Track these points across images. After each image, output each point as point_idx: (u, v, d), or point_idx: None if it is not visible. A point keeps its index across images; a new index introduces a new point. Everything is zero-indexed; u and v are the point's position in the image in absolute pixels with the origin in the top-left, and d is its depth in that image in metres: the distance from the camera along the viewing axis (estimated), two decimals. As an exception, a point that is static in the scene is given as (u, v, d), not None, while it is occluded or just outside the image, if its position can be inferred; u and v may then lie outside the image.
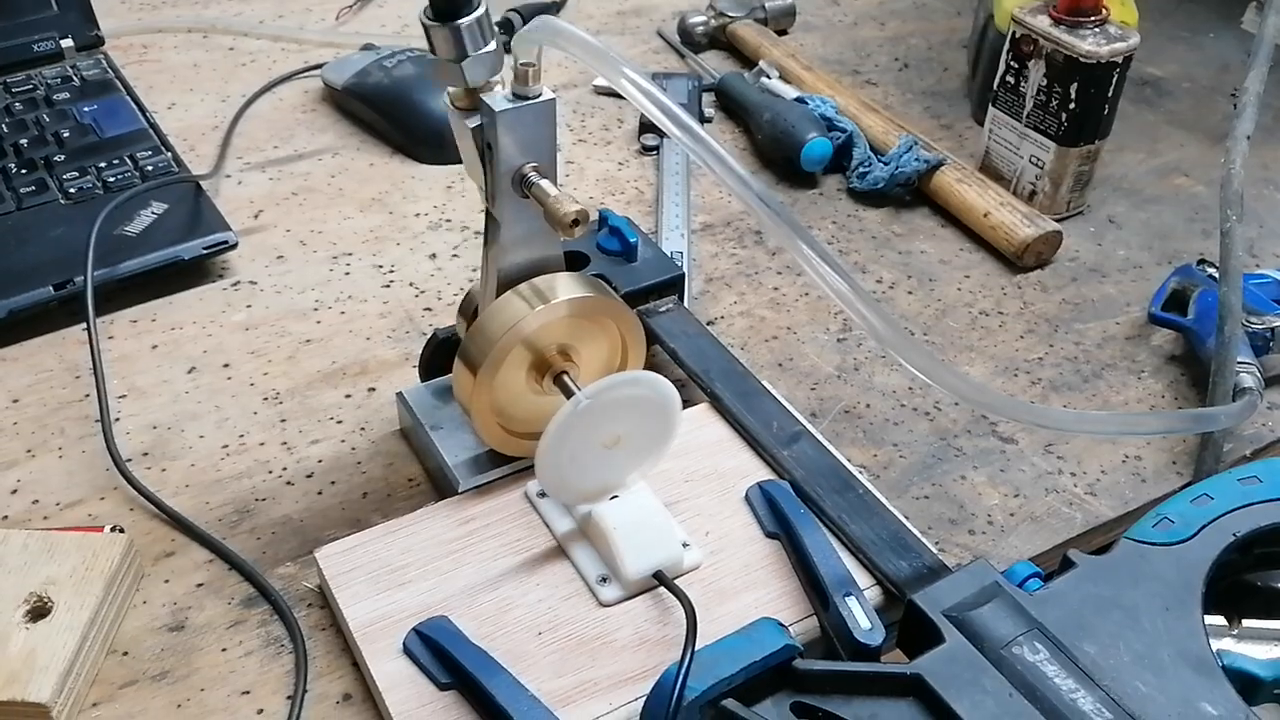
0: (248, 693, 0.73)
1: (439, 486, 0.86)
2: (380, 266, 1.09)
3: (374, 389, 0.96)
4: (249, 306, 1.04)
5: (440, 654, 0.69)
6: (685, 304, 0.99)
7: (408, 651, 0.71)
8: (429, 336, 0.90)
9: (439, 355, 0.90)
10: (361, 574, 0.76)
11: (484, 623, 0.73)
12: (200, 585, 0.79)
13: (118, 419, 0.92)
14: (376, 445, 0.90)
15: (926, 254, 1.14)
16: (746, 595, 0.75)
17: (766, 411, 0.88)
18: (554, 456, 0.73)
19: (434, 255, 1.04)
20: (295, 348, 1.00)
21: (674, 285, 0.98)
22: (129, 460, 0.88)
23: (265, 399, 0.94)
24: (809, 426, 0.88)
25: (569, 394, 0.78)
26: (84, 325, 0.94)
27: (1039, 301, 1.09)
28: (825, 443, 0.86)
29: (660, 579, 0.74)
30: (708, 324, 1.00)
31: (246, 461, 0.89)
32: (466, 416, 0.81)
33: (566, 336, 0.80)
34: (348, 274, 1.07)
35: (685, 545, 0.77)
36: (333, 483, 0.87)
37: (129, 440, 0.90)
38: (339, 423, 0.93)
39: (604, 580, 0.75)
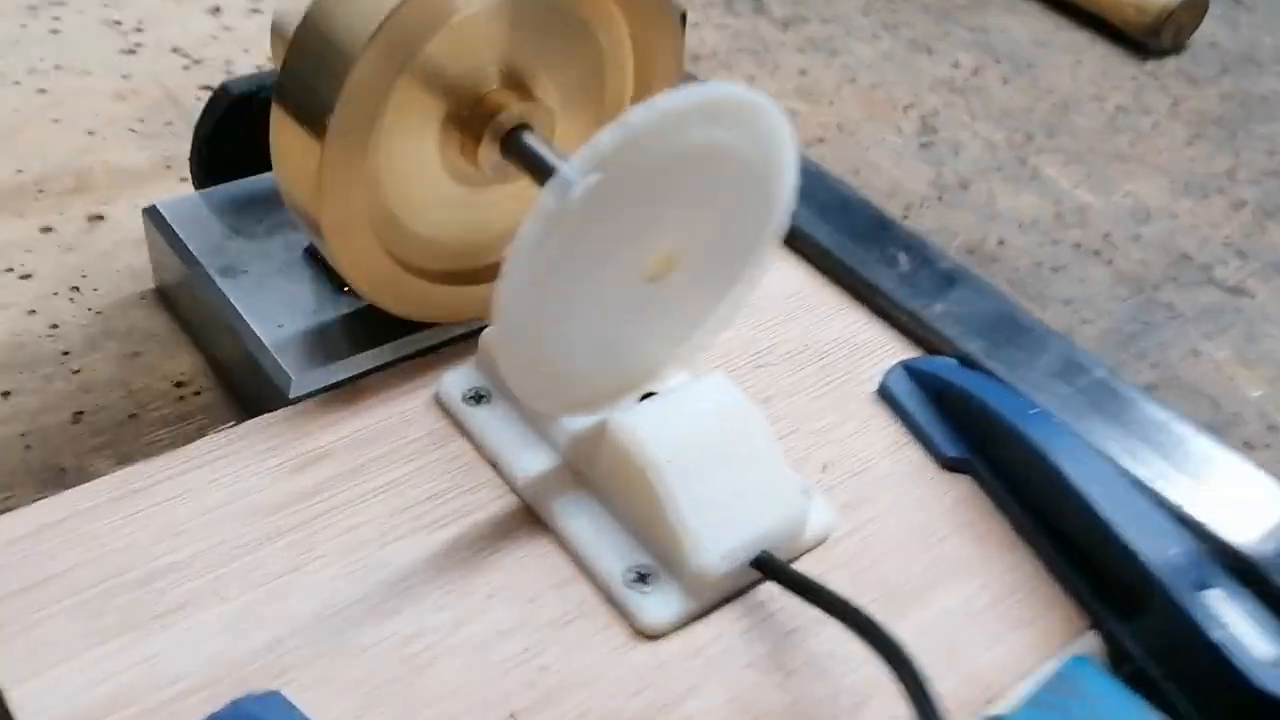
0: None
1: (245, 393, 0.40)
2: (118, 22, 0.59)
3: (101, 217, 0.48)
4: None
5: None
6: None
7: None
8: (213, 93, 0.43)
9: (233, 131, 0.43)
10: (62, 596, 0.31)
11: (372, 701, 0.31)
12: None
13: None
14: (105, 318, 0.44)
15: (1009, 31, 0.73)
16: (938, 594, 0.35)
17: (873, 234, 0.46)
18: (534, 313, 0.29)
19: (217, 8, 0.56)
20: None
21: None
22: None
23: None
24: (955, 260, 0.45)
25: (542, 171, 0.33)
26: None
27: (1192, 96, 0.70)
28: (992, 284, 0.44)
29: (769, 568, 0.31)
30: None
31: None
32: (310, 234, 0.35)
33: (516, 47, 0.35)
34: (56, 31, 0.57)
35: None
36: (4, 394, 0.40)
37: None
38: (25, 278, 0.45)
39: (642, 579, 0.31)
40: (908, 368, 0.42)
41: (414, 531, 0.35)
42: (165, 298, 0.46)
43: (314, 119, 0.34)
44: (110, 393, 0.42)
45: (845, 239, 0.47)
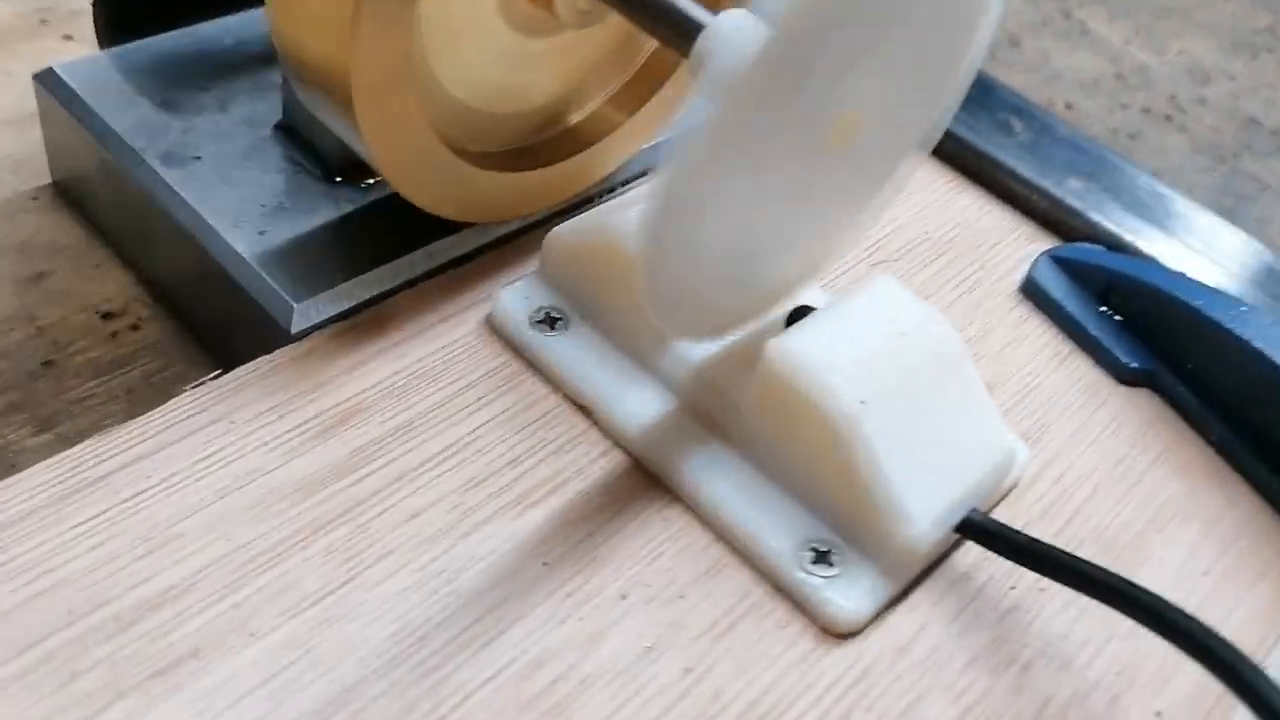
0: None
1: (206, 326, 0.30)
2: None
3: None
4: None
5: None
6: None
7: None
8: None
9: None
10: (7, 657, 0.19)
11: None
12: None
13: None
14: None
15: None
16: (1160, 541, 0.28)
17: (975, 95, 0.37)
18: (694, 213, 0.20)
19: None
20: None
21: None
22: None
23: None
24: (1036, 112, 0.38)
25: (672, 20, 0.23)
26: None
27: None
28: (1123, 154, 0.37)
29: (981, 532, 0.23)
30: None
31: None
32: (311, 99, 0.25)
33: None
34: None
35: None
36: None
37: None
38: None
39: (823, 559, 0.22)
40: (1056, 258, 0.34)
41: (499, 513, 0.25)
42: (70, 195, 0.34)
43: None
44: (9, 332, 0.30)
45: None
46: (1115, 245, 0.35)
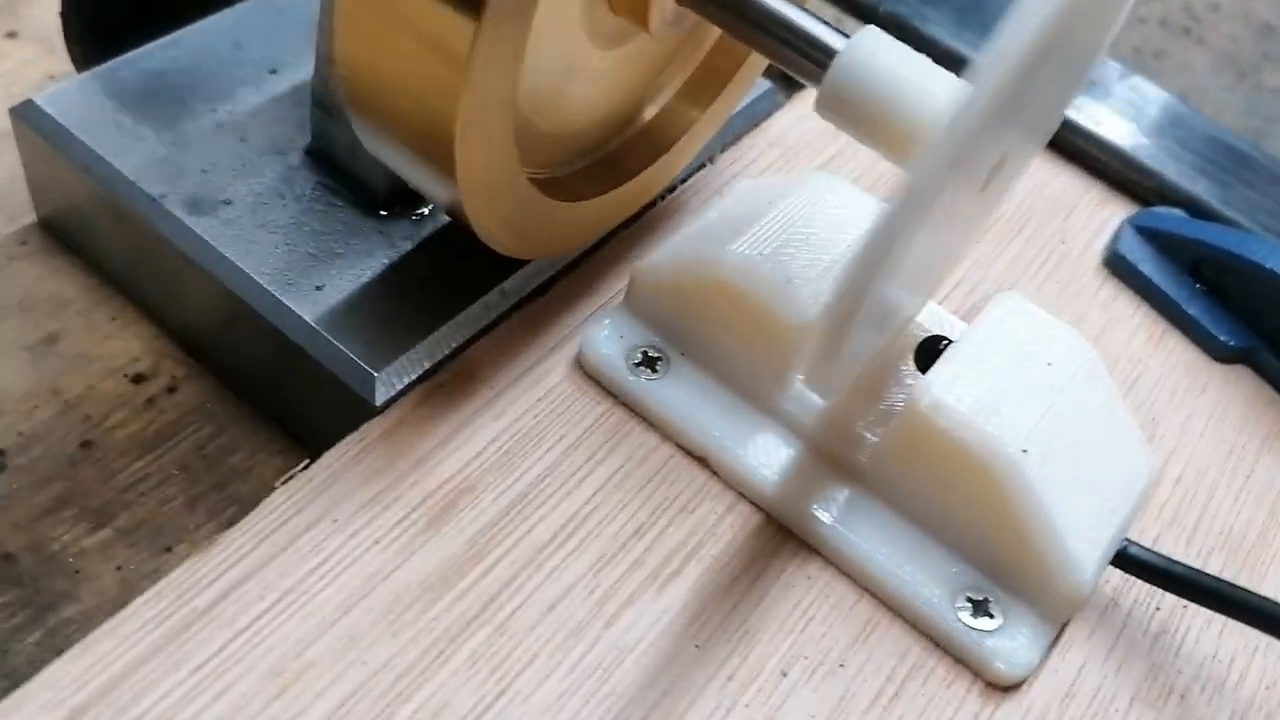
0: None
1: (260, 385, 0.27)
2: None
3: None
4: None
5: None
6: None
7: None
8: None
9: None
10: None
11: None
12: None
13: None
14: None
15: None
16: None
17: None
18: (879, 275, 0.19)
19: None
20: None
21: None
22: None
23: None
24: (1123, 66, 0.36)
25: (795, 39, 0.22)
26: None
27: None
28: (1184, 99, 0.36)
29: (1135, 563, 0.23)
30: None
31: None
32: (381, 134, 0.22)
33: None
34: None
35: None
36: None
37: None
38: None
39: (981, 609, 0.21)
40: (1140, 228, 0.33)
41: (638, 592, 0.24)
42: (64, 234, 0.30)
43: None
44: (34, 411, 0.27)
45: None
46: (1194, 207, 0.34)
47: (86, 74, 0.29)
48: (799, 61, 0.22)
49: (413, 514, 0.24)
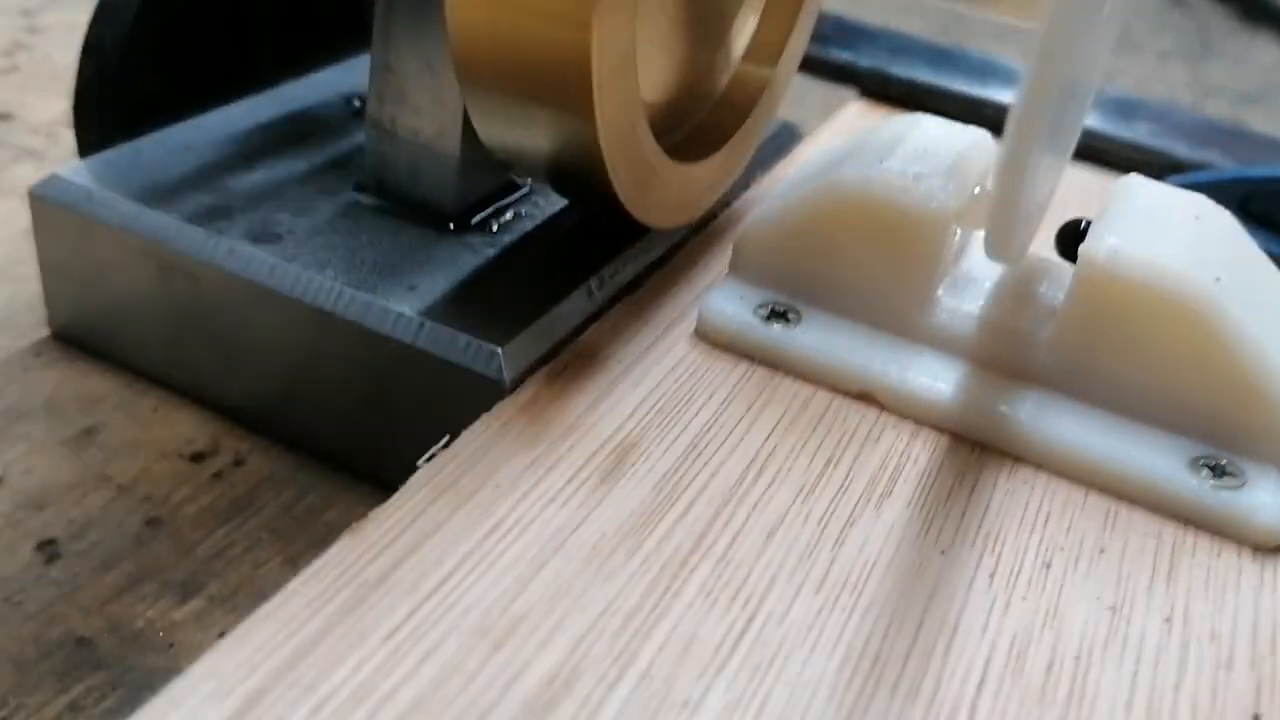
0: None
1: (357, 433, 0.25)
2: None
3: None
4: None
5: None
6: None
7: None
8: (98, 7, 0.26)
9: (150, 44, 0.26)
10: None
11: None
12: None
13: None
14: None
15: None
16: None
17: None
18: (1049, 111, 0.19)
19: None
20: None
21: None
22: None
23: None
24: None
25: None
26: None
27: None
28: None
29: None
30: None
31: None
32: (509, 104, 0.22)
33: None
34: None
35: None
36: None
37: None
38: None
39: (1221, 472, 0.20)
40: (1182, 183, 0.34)
41: (856, 513, 0.21)
42: (83, 342, 0.27)
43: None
44: (83, 499, 0.24)
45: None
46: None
47: (106, 152, 0.27)
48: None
49: (580, 473, 0.21)
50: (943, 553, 0.21)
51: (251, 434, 0.26)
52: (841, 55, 0.40)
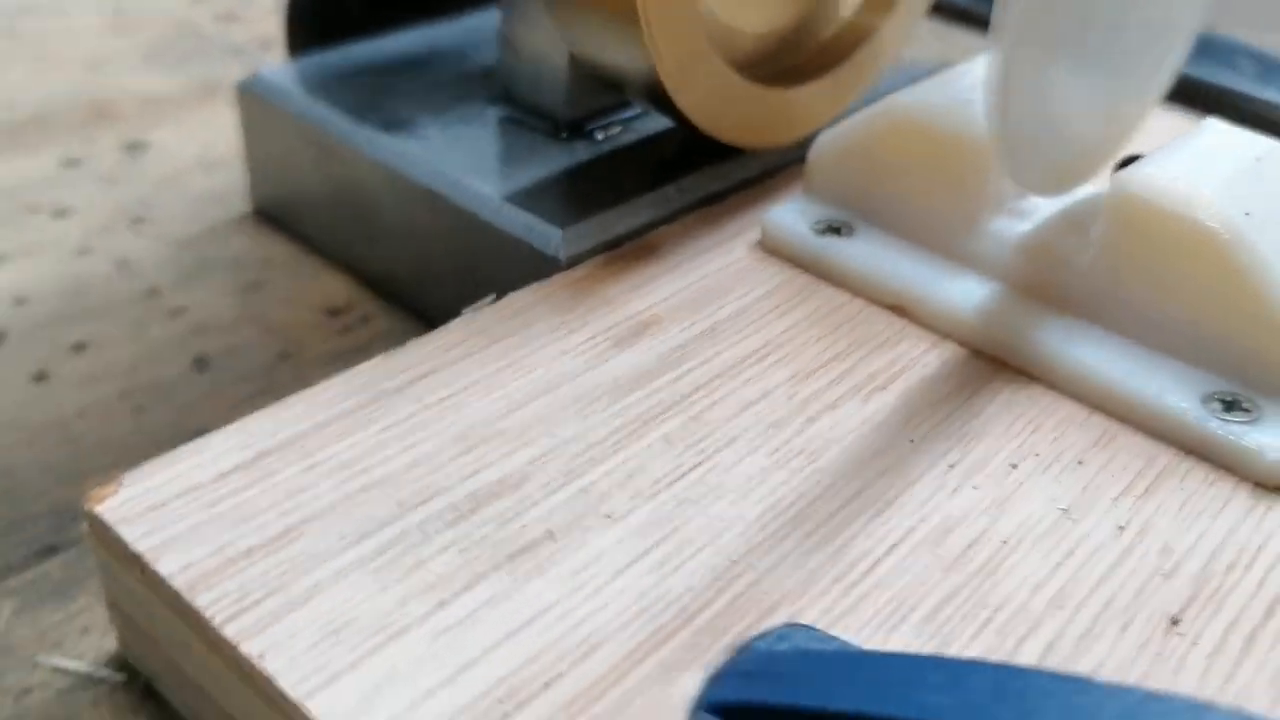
0: None
1: (454, 299, 0.27)
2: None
3: (140, 144, 0.36)
4: None
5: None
6: None
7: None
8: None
9: None
10: (333, 546, 0.19)
11: (941, 631, 0.18)
12: None
13: None
14: (195, 250, 0.33)
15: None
16: None
17: None
18: (1039, 38, 0.18)
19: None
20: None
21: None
22: None
23: None
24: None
25: None
26: None
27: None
28: None
29: None
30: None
31: None
32: (590, 21, 0.23)
33: None
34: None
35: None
36: (78, 346, 0.26)
37: None
38: (59, 215, 0.31)
39: (1234, 407, 0.19)
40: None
41: (842, 400, 0.22)
42: (274, 217, 0.33)
43: None
44: (239, 332, 0.29)
45: None
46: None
47: (302, 58, 0.33)
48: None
49: (599, 337, 0.24)
50: (911, 441, 0.22)
51: (381, 298, 0.30)
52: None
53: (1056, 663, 0.18)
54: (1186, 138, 0.24)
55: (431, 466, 0.20)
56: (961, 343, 0.24)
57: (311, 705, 0.16)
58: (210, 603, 0.17)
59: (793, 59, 0.30)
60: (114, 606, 0.20)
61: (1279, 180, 0.23)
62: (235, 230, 0.33)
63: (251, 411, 0.21)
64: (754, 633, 0.17)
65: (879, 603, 0.18)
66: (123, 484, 0.19)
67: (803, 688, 0.15)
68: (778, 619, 0.18)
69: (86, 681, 0.20)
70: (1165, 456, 0.22)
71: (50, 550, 0.22)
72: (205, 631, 0.17)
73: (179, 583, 0.18)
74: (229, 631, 0.17)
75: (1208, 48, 0.37)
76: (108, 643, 0.21)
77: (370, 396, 0.22)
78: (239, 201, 0.34)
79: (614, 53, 0.26)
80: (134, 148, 0.37)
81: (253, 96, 0.31)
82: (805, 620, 0.18)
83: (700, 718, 0.15)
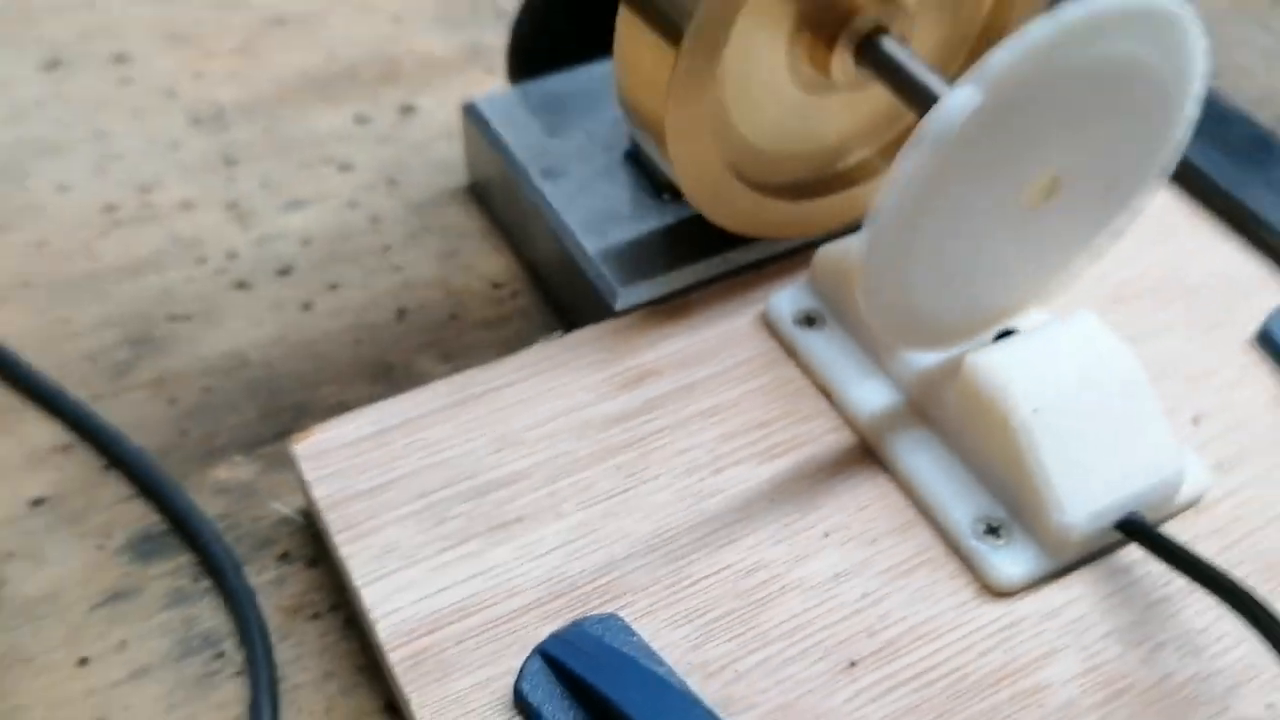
0: (131, 780, 0.29)
1: (563, 300, 0.40)
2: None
3: (412, 108, 0.49)
4: (172, -42, 0.56)
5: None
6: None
7: (527, 707, 0.26)
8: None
9: (550, 24, 0.42)
10: (405, 500, 0.33)
11: (710, 633, 0.31)
12: (41, 502, 0.34)
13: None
14: (422, 212, 0.45)
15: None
16: None
17: (1253, 151, 0.41)
18: (905, 243, 0.28)
19: None
20: (255, 30, 0.52)
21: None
22: (-87, 230, 0.43)
23: (197, 120, 0.47)
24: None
25: (915, 90, 0.31)
26: None
27: None
28: None
29: (1137, 531, 0.29)
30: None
31: (153, 238, 0.45)
32: (647, 141, 0.34)
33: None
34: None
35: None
36: (333, 286, 0.42)
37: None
38: (345, 169, 0.46)
39: (993, 532, 0.29)
40: (1294, 312, 0.38)
41: (746, 460, 0.34)
42: (478, 195, 0.47)
43: (669, 24, 0.33)
44: (430, 290, 0.44)
45: (1220, 156, 0.42)
46: (1364, 305, 0.38)
47: (514, 88, 0.46)
48: (916, 105, 0.33)
49: (614, 377, 0.37)
50: (772, 501, 0.34)
51: (530, 280, 0.44)
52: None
53: (768, 671, 0.30)
54: (1051, 329, 0.33)
55: (474, 458, 0.34)
56: (854, 430, 0.36)
57: (365, 592, 0.31)
58: (333, 519, 0.33)
59: (810, 176, 0.40)
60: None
61: (1092, 381, 0.32)
62: (451, 201, 0.47)
63: (421, 360, 0.36)
64: (593, 613, 0.30)
65: (684, 607, 0.31)
66: (312, 433, 0.35)
67: (583, 661, 0.29)
68: (616, 607, 0.31)
69: (289, 519, 0.37)
70: (936, 549, 0.33)
71: (286, 433, 0.39)
72: (327, 537, 0.33)
73: (321, 504, 0.33)
74: (338, 539, 0.32)
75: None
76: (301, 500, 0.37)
77: (459, 399, 0.36)
78: (460, 174, 0.48)
79: (653, 153, 0.37)
80: (406, 110, 0.51)
81: (469, 117, 0.45)
82: (635, 609, 0.31)
83: (534, 658, 0.30)
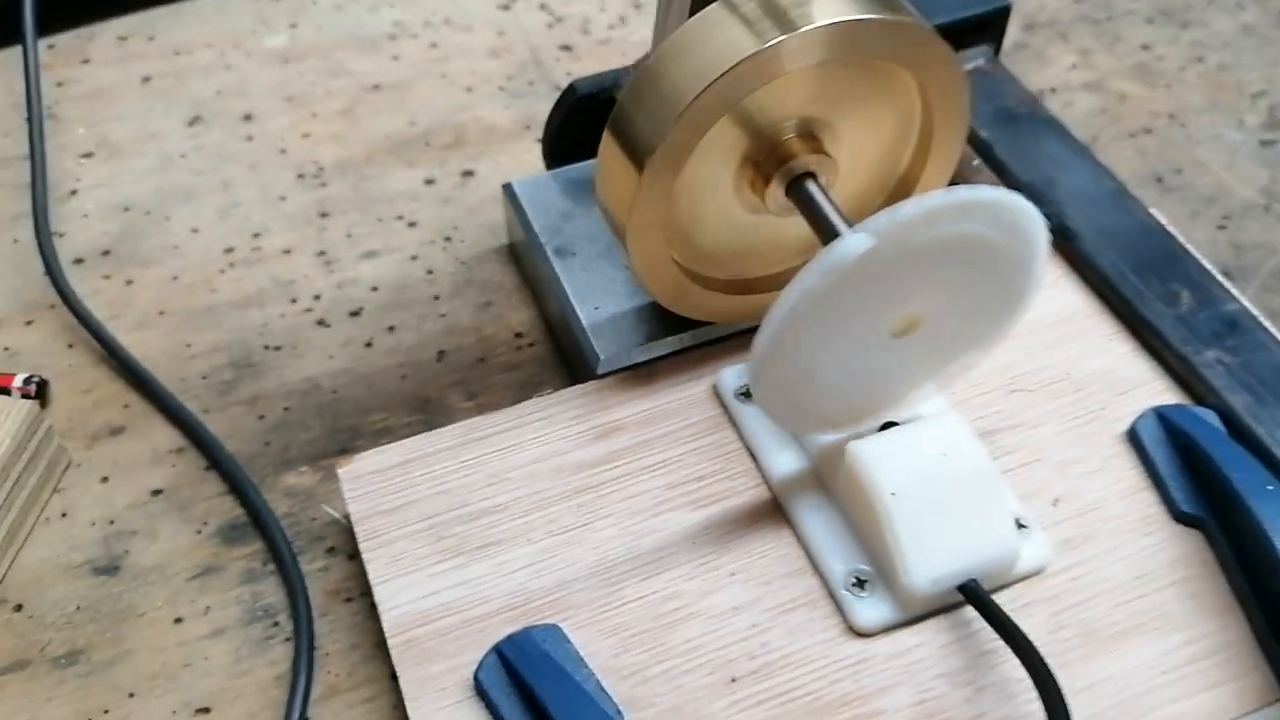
0: (206, 710, 0.40)
1: (565, 354, 0.50)
2: (499, -26, 0.69)
3: (471, 172, 0.58)
4: (293, 27, 0.66)
5: (541, 713, 0.35)
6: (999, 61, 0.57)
7: (482, 692, 0.36)
8: (563, 91, 0.51)
9: (577, 124, 0.52)
10: (415, 520, 0.43)
11: (629, 645, 0.40)
12: (158, 493, 0.46)
13: (74, 192, 0.57)
14: (468, 268, 0.55)
15: None
16: (1138, 643, 0.40)
17: (1159, 265, 0.48)
18: (790, 349, 0.36)
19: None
20: (355, 95, 0.63)
21: (989, 26, 0.57)
22: (77, 262, 0.54)
23: (301, 175, 0.58)
24: (1242, 300, 0.47)
25: (824, 227, 0.39)
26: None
27: None
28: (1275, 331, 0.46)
29: (971, 596, 0.37)
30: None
31: (259, 278, 0.55)
32: (617, 240, 0.43)
33: (818, 102, 0.41)
34: (447, -18, 0.68)
35: (1021, 526, 0.39)
36: (390, 328, 0.52)
37: (83, 230, 0.57)
38: (411, 225, 0.56)
39: (860, 584, 0.38)
40: (1160, 414, 0.45)
41: (680, 507, 0.44)
42: (514, 256, 0.56)
43: (638, 155, 0.41)
44: (466, 336, 0.54)
45: (1129, 267, 0.49)
46: (1227, 413, 0.45)
47: (546, 173, 0.55)
48: (822, 239, 0.41)
49: (588, 430, 0.46)
50: (694, 543, 0.43)
51: (546, 333, 0.54)
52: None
53: (667, 679, 0.40)
54: (920, 426, 0.42)
55: (469, 489, 0.45)
56: (769, 489, 0.44)
57: (378, 590, 0.42)
58: (361, 530, 0.43)
59: (749, 276, 0.48)
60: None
61: (947, 472, 0.41)
62: (492, 259, 0.57)
63: (452, 396, 0.46)
64: (542, 623, 0.40)
65: (611, 623, 0.41)
66: (354, 460, 0.46)
67: (524, 661, 0.39)
68: (560, 619, 0.41)
69: (337, 521, 0.48)
70: (816, 594, 0.42)
71: (342, 450, 0.50)
72: (358, 541, 0.44)
73: (354, 516, 0.44)
74: (363, 546, 0.43)
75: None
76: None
77: (465, 440, 0.46)
78: (503, 235, 0.58)
79: (620, 250, 0.46)
80: (466, 175, 0.61)
81: (507, 195, 0.54)
82: (575, 621, 0.41)
83: (491, 654, 0.40)
